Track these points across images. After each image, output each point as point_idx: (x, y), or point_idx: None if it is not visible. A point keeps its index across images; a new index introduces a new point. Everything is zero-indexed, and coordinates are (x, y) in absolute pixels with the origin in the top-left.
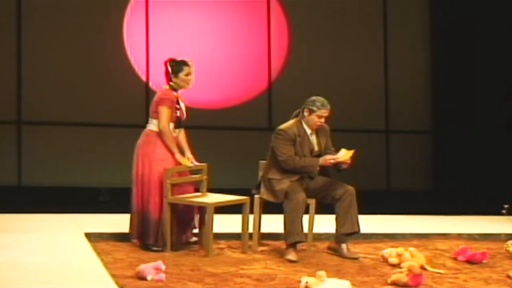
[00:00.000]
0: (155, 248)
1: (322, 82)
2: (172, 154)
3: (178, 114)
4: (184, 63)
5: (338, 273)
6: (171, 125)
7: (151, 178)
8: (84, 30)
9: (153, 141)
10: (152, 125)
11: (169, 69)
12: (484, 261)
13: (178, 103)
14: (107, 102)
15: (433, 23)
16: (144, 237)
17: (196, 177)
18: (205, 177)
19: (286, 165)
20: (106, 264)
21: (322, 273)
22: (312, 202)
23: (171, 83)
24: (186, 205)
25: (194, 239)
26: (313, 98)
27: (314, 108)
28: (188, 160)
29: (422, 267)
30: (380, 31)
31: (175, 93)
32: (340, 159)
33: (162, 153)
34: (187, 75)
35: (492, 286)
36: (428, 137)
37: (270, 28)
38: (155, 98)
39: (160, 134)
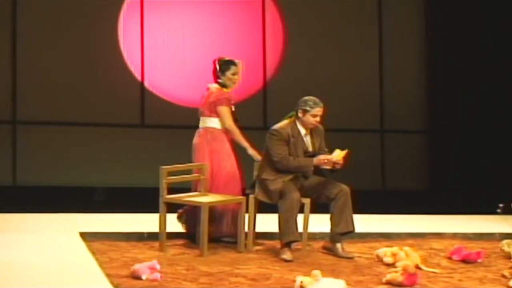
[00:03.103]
0: (227, 239)
1: (317, 81)
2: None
3: (233, 109)
4: (232, 62)
5: (333, 273)
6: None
7: (221, 173)
8: (79, 30)
9: (220, 138)
10: (213, 123)
11: (217, 67)
12: (479, 260)
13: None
14: (102, 102)
15: (428, 23)
16: (216, 231)
17: (194, 176)
18: (203, 177)
19: (280, 165)
20: (101, 264)
21: (317, 272)
22: (307, 201)
23: (219, 81)
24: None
25: (228, 239)
26: (305, 98)
27: (308, 108)
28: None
29: (417, 267)
30: (375, 31)
31: (225, 90)
32: (333, 159)
33: (228, 149)
34: (233, 74)
35: (487, 285)
36: (423, 137)
37: (265, 27)
38: (212, 99)
39: (225, 131)
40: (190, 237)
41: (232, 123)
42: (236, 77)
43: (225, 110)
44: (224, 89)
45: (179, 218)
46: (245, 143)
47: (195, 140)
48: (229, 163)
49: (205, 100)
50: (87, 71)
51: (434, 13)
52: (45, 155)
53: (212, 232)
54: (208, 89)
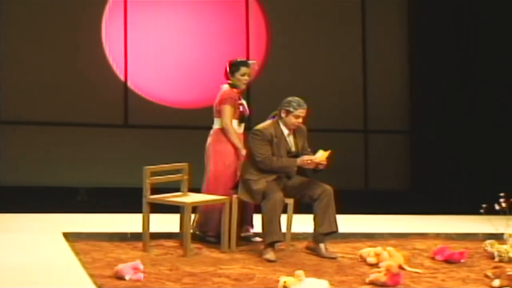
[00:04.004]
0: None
1: (301, 82)
2: (236, 149)
3: (241, 109)
4: (242, 63)
5: (316, 273)
6: (235, 121)
7: (225, 174)
8: (62, 30)
9: (223, 139)
10: (218, 124)
11: (228, 68)
12: (462, 260)
13: (240, 99)
14: (86, 102)
15: (412, 24)
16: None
17: (177, 176)
18: (185, 177)
19: (263, 165)
20: (84, 264)
21: (300, 272)
22: (290, 201)
23: (229, 81)
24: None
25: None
26: (289, 98)
27: (291, 109)
28: None
29: (400, 267)
30: (359, 31)
31: (235, 90)
32: (317, 160)
33: (231, 149)
34: (242, 75)
35: (470, 285)
36: (406, 137)
37: (248, 27)
38: (218, 98)
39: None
40: (211, 238)
41: (228, 122)
42: (245, 77)
43: (226, 109)
44: (234, 90)
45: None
46: (239, 144)
47: (207, 140)
48: (234, 164)
49: (215, 101)
50: (70, 71)
51: (417, 14)
52: (28, 156)
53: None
54: (220, 90)
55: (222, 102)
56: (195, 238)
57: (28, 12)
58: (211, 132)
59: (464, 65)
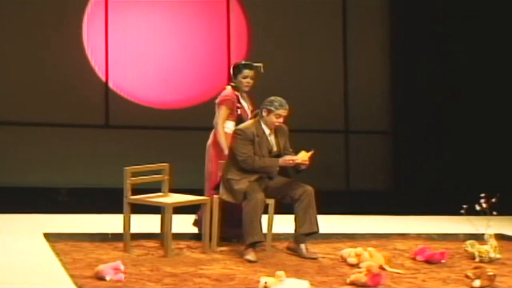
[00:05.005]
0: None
1: (282, 82)
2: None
3: (239, 112)
4: (246, 66)
5: (297, 273)
6: (232, 123)
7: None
8: (43, 30)
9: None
10: (226, 128)
11: (231, 70)
12: (443, 261)
13: (239, 102)
14: (67, 103)
15: (393, 24)
16: (230, 233)
17: (157, 177)
18: (166, 177)
19: (245, 165)
20: (64, 264)
21: (281, 273)
22: (271, 202)
23: (231, 83)
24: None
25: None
26: (272, 98)
27: (273, 108)
28: None
29: (381, 267)
30: (340, 31)
31: (236, 93)
32: (299, 160)
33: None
34: (245, 77)
35: (451, 286)
36: (387, 138)
37: (229, 27)
38: (217, 99)
39: (227, 134)
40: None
41: (219, 122)
42: (247, 80)
43: (221, 110)
44: (236, 92)
45: (195, 224)
46: (224, 144)
47: (208, 141)
48: None
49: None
50: (51, 71)
51: (398, 14)
52: (9, 156)
53: (225, 232)
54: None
55: (219, 103)
56: (198, 238)
57: (8, 11)
58: (212, 132)
59: (446, 66)
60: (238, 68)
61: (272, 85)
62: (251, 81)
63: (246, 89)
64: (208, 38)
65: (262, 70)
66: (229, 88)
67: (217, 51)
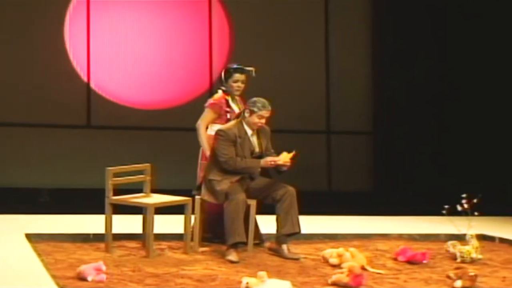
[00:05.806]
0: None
1: (264, 82)
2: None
3: (228, 116)
4: (236, 70)
5: (279, 274)
6: (219, 126)
7: None
8: (24, 29)
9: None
10: (211, 131)
11: (222, 74)
12: (425, 261)
13: (228, 106)
14: (48, 103)
15: (375, 25)
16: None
17: (139, 177)
18: (148, 177)
19: (227, 166)
20: (46, 265)
21: (263, 273)
22: (253, 203)
23: (222, 87)
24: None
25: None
26: (254, 99)
27: (255, 109)
28: None
29: (363, 268)
30: (321, 32)
31: (227, 97)
32: (281, 162)
33: None
34: (235, 81)
35: (432, 286)
36: (368, 138)
37: (211, 28)
38: (206, 103)
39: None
40: (215, 239)
41: (201, 123)
42: (238, 84)
43: (206, 112)
44: (227, 96)
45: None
46: (205, 145)
47: None
48: None
49: None
50: (32, 71)
51: (380, 15)
52: None
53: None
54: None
55: (207, 106)
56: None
57: None
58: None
59: (427, 66)
60: (229, 72)
61: (254, 85)
62: (242, 85)
63: (237, 93)
64: (190, 38)
65: (253, 74)
66: (220, 92)
67: (199, 52)
